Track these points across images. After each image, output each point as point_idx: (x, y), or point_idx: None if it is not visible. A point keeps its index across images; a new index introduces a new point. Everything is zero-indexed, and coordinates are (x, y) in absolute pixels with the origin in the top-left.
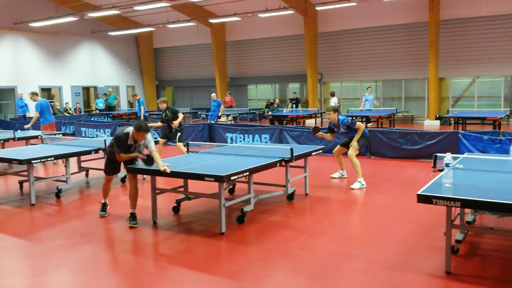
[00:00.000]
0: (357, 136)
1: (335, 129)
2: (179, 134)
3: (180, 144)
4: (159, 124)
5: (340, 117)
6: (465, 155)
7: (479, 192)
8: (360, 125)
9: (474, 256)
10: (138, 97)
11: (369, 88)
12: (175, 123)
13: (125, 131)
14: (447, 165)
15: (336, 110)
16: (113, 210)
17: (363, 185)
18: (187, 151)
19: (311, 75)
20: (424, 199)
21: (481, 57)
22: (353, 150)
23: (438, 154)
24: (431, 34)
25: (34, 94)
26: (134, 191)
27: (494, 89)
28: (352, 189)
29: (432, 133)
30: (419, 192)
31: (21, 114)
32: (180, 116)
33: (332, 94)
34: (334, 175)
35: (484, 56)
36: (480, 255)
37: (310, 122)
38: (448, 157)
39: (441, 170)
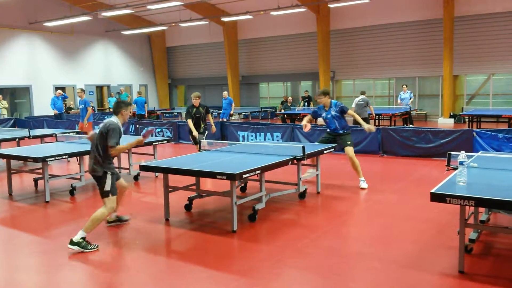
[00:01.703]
0: (359, 120)
1: (322, 115)
2: (206, 132)
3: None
4: (190, 124)
5: (333, 101)
6: (479, 153)
7: (493, 190)
8: (352, 111)
9: (488, 256)
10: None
11: (405, 86)
12: (214, 128)
13: (114, 121)
14: (461, 163)
15: (327, 93)
16: (126, 207)
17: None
18: (199, 150)
19: (324, 73)
20: (437, 197)
21: (496, 54)
22: (350, 147)
23: (452, 153)
24: (446, 31)
25: (83, 91)
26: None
27: (510, 86)
28: (363, 188)
29: (446, 131)
30: (432, 191)
31: (58, 112)
32: (211, 118)
33: (362, 93)
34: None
35: (500, 53)
36: (494, 254)
37: (322, 121)
38: (462, 155)
39: (455, 169)
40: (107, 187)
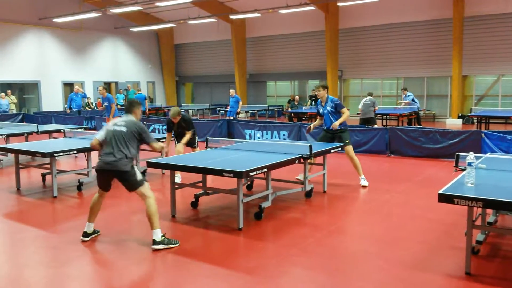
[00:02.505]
0: (341, 119)
1: (320, 111)
2: (196, 137)
3: (181, 146)
4: (166, 142)
5: (330, 96)
6: (488, 154)
7: (502, 192)
8: (346, 110)
9: (495, 258)
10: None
11: (404, 90)
12: (187, 137)
13: (137, 120)
14: (469, 164)
15: (325, 87)
16: (133, 203)
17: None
18: (206, 147)
19: (331, 72)
20: (445, 198)
21: (506, 55)
22: (351, 148)
23: (460, 153)
24: (455, 31)
25: (105, 88)
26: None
27: None
28: (364, 186)
29: (454, 132)
30: (440, 191)
31: (75, 109)
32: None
33: (370, 94)
34: (299, 177)
35: (510, 54)
36: (501, 256)
37: None
38: (470, 156)
39: (463, 170)
40: (139, 176)
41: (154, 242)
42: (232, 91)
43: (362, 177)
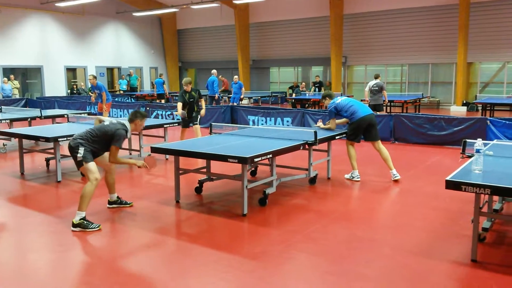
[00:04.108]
0: (326, 127)
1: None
2: (199, 116)
3: (198, 127)
4: (180, 109)
5: (329, 104)
6: (494, 141)
7: (510, 179)
8: (331, 122)
9: (501, 245)
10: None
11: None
12: (203, 111)
13: (125, 127)
14: (477, 151)
15: (326, 96)
16: (136, 190)
17: (353, 177)
18: (210, 133)
19: (335, 58)
20: (452, 185)
21: None
22: (347, 142)
23: (467, 140)
24: (461, 17)
25: (95, 77)
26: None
27: None
28: (348, 179)
29: (460, 119)
30: (447, 178)
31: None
32: (203, 101)
33: (376, 77)
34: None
35: None
36: (507, 244)
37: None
38: (479, 143)
39: (470, 157)
40: (79, 157)
41: (72, 223)
42: (235, 77)
43: (353, 171)
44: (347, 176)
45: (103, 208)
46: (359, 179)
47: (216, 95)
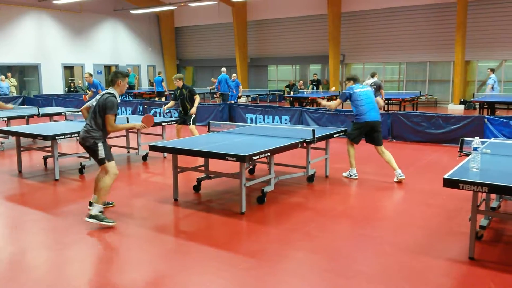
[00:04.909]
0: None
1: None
2: (193, 116)
3: (194, 127)
4: (171, 103)
5: (348, 87)
6: (492, 140)
7: (507, 177)
8: (336, 101)
9: (498, 243)
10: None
11: (490, 70)
12: (193, 109)
13: (111, 92)
14: (475, 149)
15: (349, 79)
16: (136, 187)
17: (350, 175)
18: (208, 131)
19: (333, 56)
20: (450, 183)
21: (509, 40)
22: (347, 140)
23: (465, 138)
24: (459, 15)
25: (91, 75)
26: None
27: None
28: (345, 177)
29: (457, 117)
30: (445, 176)
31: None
32: (197, 99)
33: (373, 75)
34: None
35: None
36: (504, 241)
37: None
38: (476, 141)
39: (467, 155)
40: (101, 154)
41: (90, 215)
42: (234, 75)
43: (351, 169)
44: (345, 174)
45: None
46: (356, 177)
47: (229, 93)
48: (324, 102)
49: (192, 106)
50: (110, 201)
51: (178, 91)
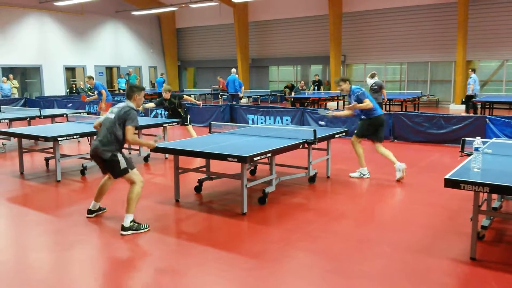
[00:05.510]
0: (353, 106)
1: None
2: (188, 116)
3: (189, 127)
4: (151, 105)
5: (353, 87)
6: (493, 140)
7: (509, 177)
8: (367, 101)
9: (499, 243)
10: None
11: (471, 70)
12: (191, 98)
13: (130, 105)
14: (476, 149)
15: (345, 79)
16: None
17: (363, 174)
18: (210, 132)
19: (334, 56)
20: (451, 183)
21: (511, 40)
22: (355, 139)
23: (466, 138)
24: (460, 15)
25: (91, 78)
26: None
27: None
28: (351, 177)
29: (458, 117)
30: (446, 177)
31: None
32: (188, 98)
33: (373, 75)
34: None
35: None
36: (506, 241)
37: (332, 105)
38: (477, 141)
39: (469, 155)
40: (123, 164)
41: (123, 227)
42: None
43: (361, 169)
44: (354, 174)
45: (102, 206)
46: (369, 176)
47: (239, 93)
48: (338, 113)
49: (183, 109)
50: (102, 206)
51: (167, 101)
